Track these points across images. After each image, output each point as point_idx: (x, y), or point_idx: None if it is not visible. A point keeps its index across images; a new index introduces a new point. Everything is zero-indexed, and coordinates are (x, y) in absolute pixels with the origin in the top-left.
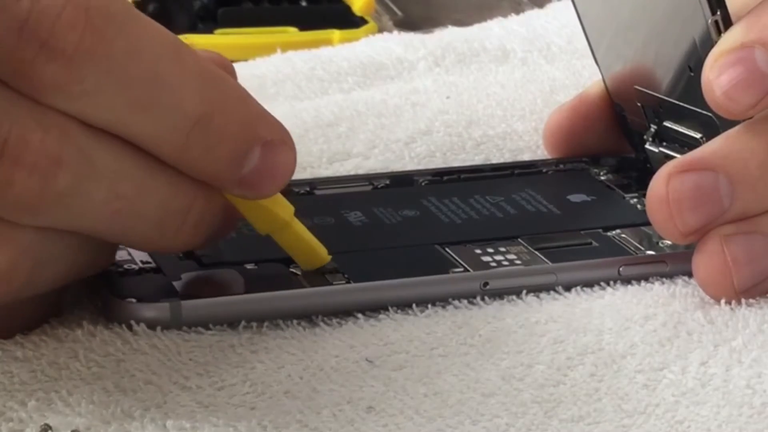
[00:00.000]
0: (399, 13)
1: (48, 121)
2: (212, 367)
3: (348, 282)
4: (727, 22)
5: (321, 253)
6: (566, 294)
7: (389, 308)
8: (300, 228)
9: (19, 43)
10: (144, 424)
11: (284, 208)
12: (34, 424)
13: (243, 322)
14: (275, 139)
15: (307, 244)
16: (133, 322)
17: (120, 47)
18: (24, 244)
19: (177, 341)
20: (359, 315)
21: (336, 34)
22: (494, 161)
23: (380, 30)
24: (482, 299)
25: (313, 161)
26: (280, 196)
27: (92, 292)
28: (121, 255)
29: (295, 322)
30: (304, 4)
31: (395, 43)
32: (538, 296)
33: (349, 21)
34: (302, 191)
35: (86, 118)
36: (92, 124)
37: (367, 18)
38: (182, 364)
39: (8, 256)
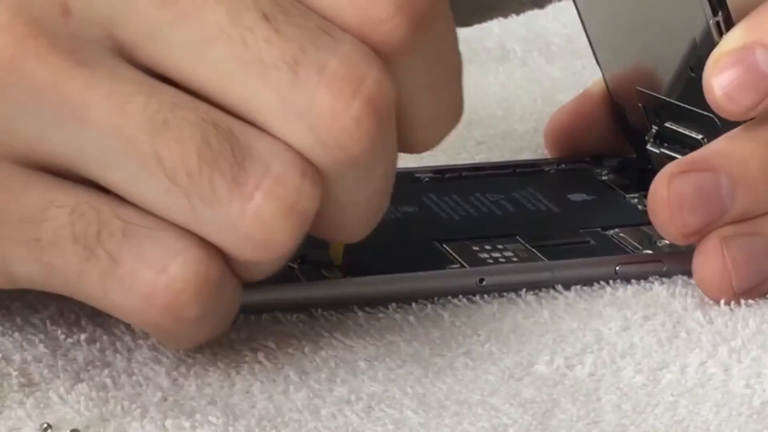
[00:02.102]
0: None
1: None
2: (211, 367)
3: (344, 276)
4: (729, 23)
5: None
6: (566, 293)
7: (388, 307)
8: None
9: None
10: (143, 424)
11: None
12: (33, 423)
13: (241, 319)
14: None
15: None
16: None
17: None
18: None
19: None
20: (359, 314)
21: None
22: (494, 161)
23: None
24: (481, 298)
25: None
26: None
27: None
28: None
29: (294, 319)
30: None
31: None
32: (537, 296)
33: None
34: None
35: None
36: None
37: None
38: (181, 361)
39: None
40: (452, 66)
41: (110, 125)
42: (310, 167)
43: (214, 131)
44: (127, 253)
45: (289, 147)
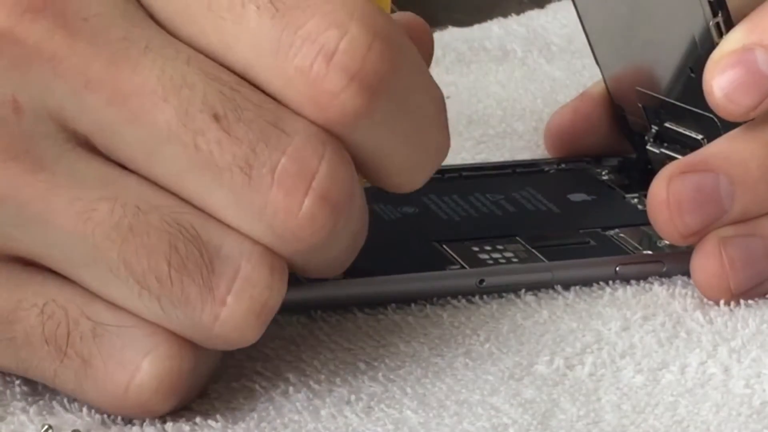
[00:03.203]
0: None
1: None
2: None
3: (344, 277)
4: (729, 24)
5: None
6: (565, 294)
7: (387, 308)
8: None
9: (328, 74)
10: (144, 428)
11: None
12: (35, 427)
13: None
14: None
15: None
16: None
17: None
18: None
19: None
20: (358, 315)
21: None
22: (494, 161)
23: None
24: (481, 298)
25: None
26: None
27: None
28: None
29: (293, 320)
30: None
31: None
32: (537, 296)
33: None
34: None
35: (364, 146)
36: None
37: None
38: None
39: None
40: (427, 107)
41: (76, 233)
42: (276, 259)
43: (181, 235)
44: (98, 353)
45: (255, 241)
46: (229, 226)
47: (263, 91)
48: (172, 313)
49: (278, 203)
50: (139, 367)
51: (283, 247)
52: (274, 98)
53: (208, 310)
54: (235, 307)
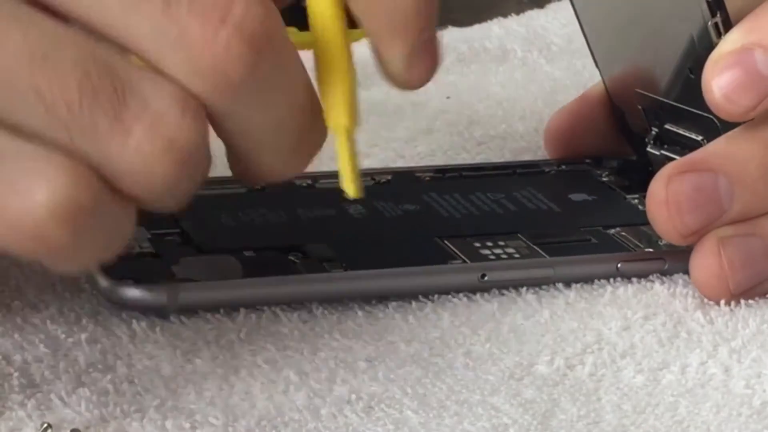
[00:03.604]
0: None
1: None
2: (211, 368)
3: (345, 270)
4: (727, 25)
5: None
6: (566, 293)
7: (388, 306)
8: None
9: None
10: (143, 424)
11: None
12: (33, 423)
13: (242, 318)
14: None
15: (357, 166)
16: (134, 322)
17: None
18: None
19: (176, 342)
20: (358, 313)
21: None
22: (494, 161)
23: None
24: (482, 297)
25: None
26: None
27: (89, 275)
28: None
29: (294, 317)
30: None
31: None
32: (537, 295)
33: (349, 21)
34: (304, 184)
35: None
36: None
37: None
38: (180, 366)
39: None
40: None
41: None
42: (192, 101)
43: (95, 66)
44: None
45: (171, 82)
46: (149, 68)
47: None
48: (81, 145)
49: (195, 32)
50: (32, 192)
51: (202, 85)
52: None
53: (116, 141)
54: (142, 139)
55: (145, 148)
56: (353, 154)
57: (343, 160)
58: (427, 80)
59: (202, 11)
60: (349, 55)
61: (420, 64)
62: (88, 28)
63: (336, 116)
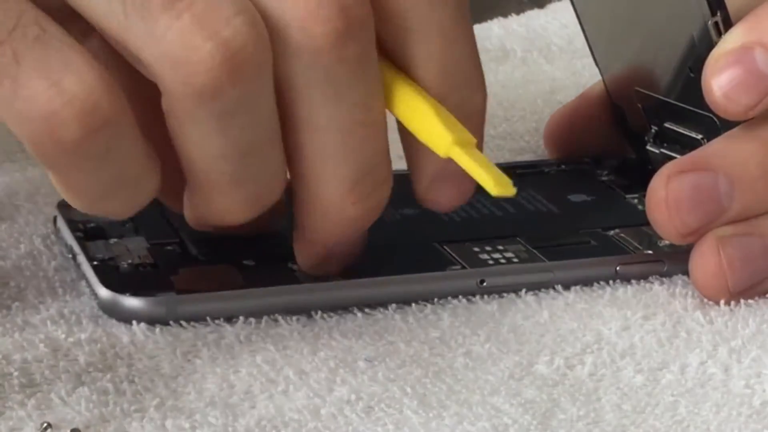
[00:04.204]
0: None
1: None
2: (211, 368)
3: (344, 278)
4: (727, 23)
5: (507, 178)
6: (565, 293)
7: (388, 308)
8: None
9: None
10: (143, 424)
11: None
12: (33, 423)
13: (241, 322)
14: None
15: (490, 166)
16: (134, 322)
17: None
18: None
19: (175, 344)
20: (358, 314)
21: None
22: (495, 161)
23: None
24: (481, 298)
25: None
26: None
27: (90, 284)
28: (118, 250)
29: (294, 320)
30: None
31: None
32: (537, 296)
33: None
34: None
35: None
36: None
37: None
38: (180, 367)
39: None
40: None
41: None
42: (251, 7)
43: None
44: (30, 56)
45: None
46: None
47: None
48: (132, 20)
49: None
50: (61, 80)
51: None
52: None
53: (164, 19)
54: (189, 23)
55: (188, 33)
56: (481, 161)
57: (475, 173)
58: (449, 208)
59: None
60: (417, 86)
61: (442, 191)
62: None
63: (442, 137)
